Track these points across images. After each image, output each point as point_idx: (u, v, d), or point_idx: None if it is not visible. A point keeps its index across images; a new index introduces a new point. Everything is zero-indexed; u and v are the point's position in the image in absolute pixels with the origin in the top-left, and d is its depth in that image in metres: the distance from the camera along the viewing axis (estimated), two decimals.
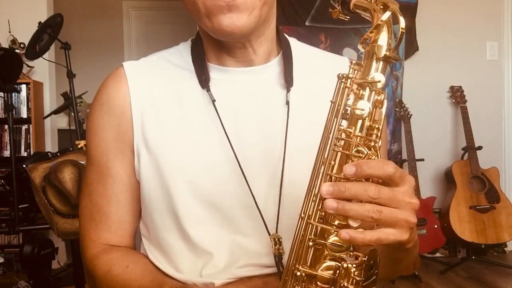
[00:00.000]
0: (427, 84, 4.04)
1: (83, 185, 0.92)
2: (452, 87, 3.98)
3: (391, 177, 0.58)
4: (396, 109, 3.82)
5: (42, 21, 3.11)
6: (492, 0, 4.09)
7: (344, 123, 0.63)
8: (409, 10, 3.90)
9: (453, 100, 3.99)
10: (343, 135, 0.62)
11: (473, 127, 3.76)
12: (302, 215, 0.64)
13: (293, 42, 0.92)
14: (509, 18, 4.09)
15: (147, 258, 0.88)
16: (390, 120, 3.85)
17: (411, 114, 3.77)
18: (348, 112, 0.62)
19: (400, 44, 0.62)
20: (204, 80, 0.84)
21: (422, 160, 3.78)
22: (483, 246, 3.70)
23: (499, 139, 4.12)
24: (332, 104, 0.65)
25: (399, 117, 3.80)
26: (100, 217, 0.88)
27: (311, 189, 0.64)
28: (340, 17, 0.70)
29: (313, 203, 0.63)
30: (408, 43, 3.93)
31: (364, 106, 0.60)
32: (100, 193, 0.87)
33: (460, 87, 3.93)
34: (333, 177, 0.61)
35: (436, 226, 3.62)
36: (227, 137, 0.82)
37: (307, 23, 3.74)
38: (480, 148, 3.73)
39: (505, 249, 3.95)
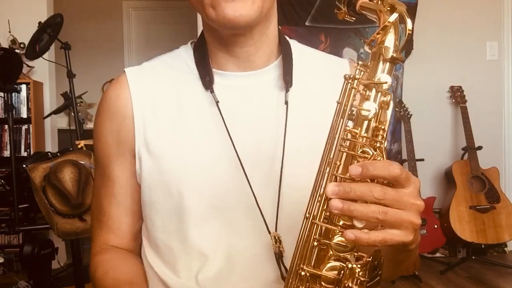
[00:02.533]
0: (427, 84, 4.04)
1: (93, 188, 0.97)
2: (452, 87, 3.99)
3: (396, 178, 0.58)
4: (396, 109, 3.82)
5: (42, 21, 3.11)
6: (492, 0, 4.09)
7: (350, 123, 0.63)
8: (409, 10, 3.85)
9: (453, 100, 3.99)
10: (349, 136, 0.62)
11: (473, 127, 3.76)
12: (307, 215, 0.64)
13: (294, 43, 0.92)
14: (509, 18, 4.09)
15: (134, 267, 0.89)
16: (390, 120, 3.85)
17: (411, 114, 3.77)
18: (354, 113, 0.62)
19: (406, 45, 0.62)
20: (208, 82, 0.85)
21: (422, 160, 3.78)
22: (483, 246, 3.71)
23: (499, 139, 4.13)
24: (338, 104, 0.65)
25: (399, 117, 3.81)
26: (103, 217, 0.92)
27: (316, 189, 0.64)
28: (346, 18, 0.70)
29: (318, 203, 0.63)
30: (408, 43, 3.93)
31: (370, 107, 0.60)
32: (104, 195, 0.91)
33: (460, 87, 3.93)
34: (338, 178, 0.62)
35: (436, 226, 3.63)
36: (230, 137, 0.82)
37: (307, 23, 3.75)
38: (480, 148, 3.73)
39: (505, 249, 3.95)
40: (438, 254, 3.88)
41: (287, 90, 0.86)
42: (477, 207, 3.60)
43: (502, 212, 3.61)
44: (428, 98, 4.05)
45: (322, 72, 0.91)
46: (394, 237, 0.59)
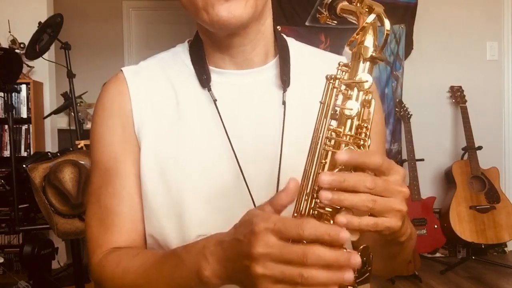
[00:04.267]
0: (427, 84, 4.05)
1: (89, 194, 0.89)
2: (452, 87, 3.99)
3: (378, 167, 0.59)
4: (396, 109, 3.82)
5: (42, 21, 3.12)
6: (492, 0, 4.09)
7: (334, 123, 0.63)
8: (409, 10, 3.90)
9: (453, 100, 3.99)
10: (333, 135, 0.62)
11: (473, 127, 3.76)
12: (295, 214, 0.64)
13: (291, 41, 0.92)
14: (509, 18, 4.09)
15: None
16: (390, 120, 3.85)
17: (411, 114, 3.78)
18: (337, 112, 0.63)
19: (386, 45, 0.63)
20: (205, 80, 0.85)
21: (422, 160, 3.78)
22: (483, 246, 3.71)
23: (499, 139, 4.13)
24: (321, 104, 0.66)
25: (399, 117, 3.81)
26: (112, 219, 0.84)
27: (303, 188, 0.64)
28: (327, 22, 0.71)
29: (305, 202, 0.63)
30: (408, 43, 3.93)
31: (353, 106, 0.61)
32: (110, 195, 0.85)
33: (460, 87, 3.94)
34: None
35: (436, 226, 3.63)
36: (228, 137, 0.82)
37: (307, 23, 3.75)
38: (480, 148, 3.73)
39: (505, 249, 3.95)
40: (438, 254, 3.88)
41: (284, 90, 0.85)
42: (477, 207, 3.60)
43: (502, 212, 3.61)
44: (428, 98, 4.05)
45: (320, 70, 0.89)
46: (385, 223, 0.60)
